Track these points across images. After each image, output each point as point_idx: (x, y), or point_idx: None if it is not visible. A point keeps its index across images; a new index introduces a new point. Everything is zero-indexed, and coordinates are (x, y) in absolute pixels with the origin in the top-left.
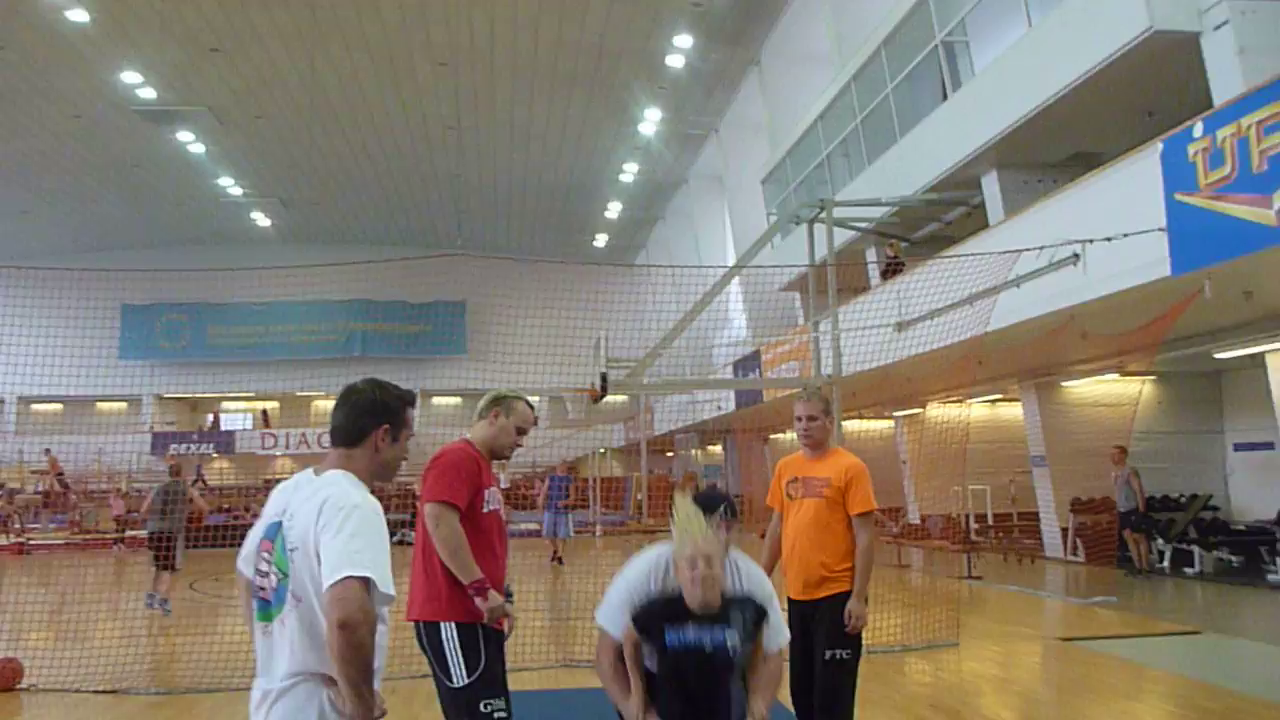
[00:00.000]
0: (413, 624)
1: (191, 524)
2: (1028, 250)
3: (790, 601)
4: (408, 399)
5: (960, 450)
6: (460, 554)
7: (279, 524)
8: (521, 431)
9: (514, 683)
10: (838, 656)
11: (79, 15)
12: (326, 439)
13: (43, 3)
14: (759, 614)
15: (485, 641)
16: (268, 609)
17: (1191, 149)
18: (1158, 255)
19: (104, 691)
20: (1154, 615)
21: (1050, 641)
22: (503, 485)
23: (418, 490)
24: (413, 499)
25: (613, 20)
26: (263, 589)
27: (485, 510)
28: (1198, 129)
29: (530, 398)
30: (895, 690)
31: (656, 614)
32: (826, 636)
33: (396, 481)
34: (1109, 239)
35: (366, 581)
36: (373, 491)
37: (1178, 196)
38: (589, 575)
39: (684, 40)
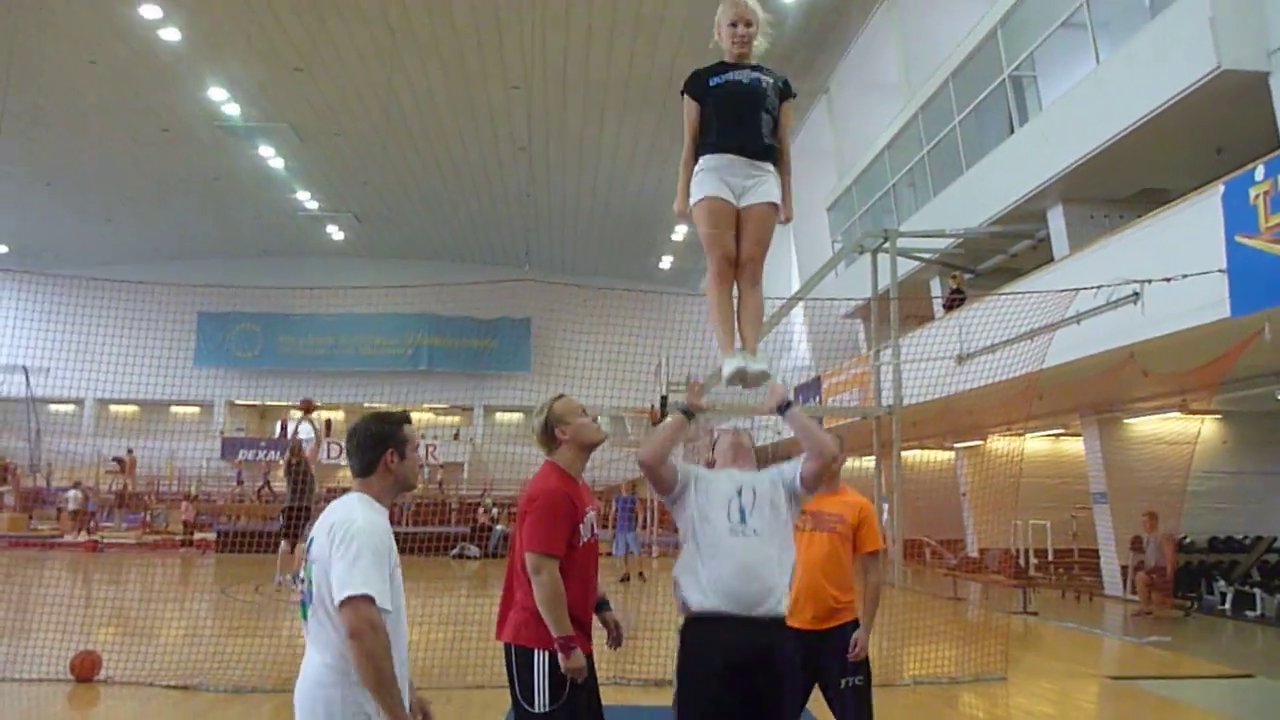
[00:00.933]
0: (503, 644)
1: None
2: (1086, 289)
3: (797, 632)
4: (402, 420)
5: (1014, 483)
6: (556, 608)
7: (311, 540)
8: (588, 449)
9: None
10: (853, 683)
11: (171, 34)
12: None
13: (138, 20)
14: (787, 87)
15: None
16: (305, 608)
17: (1253, 192)
18: (1218, 296)
19: (175, 687)
20: (1208, 657)
21: (1099, 679)
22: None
23: (484, 503)
24: (470, 513)
25: (684, 46)
26: (301, 593)
27: (581, 544)
28: (1259, 172)
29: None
30: (937, 719)
31: (702, 73)
32: (841, 665)
33: (458, 496)
34: (1168, 279)
35: (369, 598)
36: (438, 503)
37: (1239, 239)
38: (645, 596)
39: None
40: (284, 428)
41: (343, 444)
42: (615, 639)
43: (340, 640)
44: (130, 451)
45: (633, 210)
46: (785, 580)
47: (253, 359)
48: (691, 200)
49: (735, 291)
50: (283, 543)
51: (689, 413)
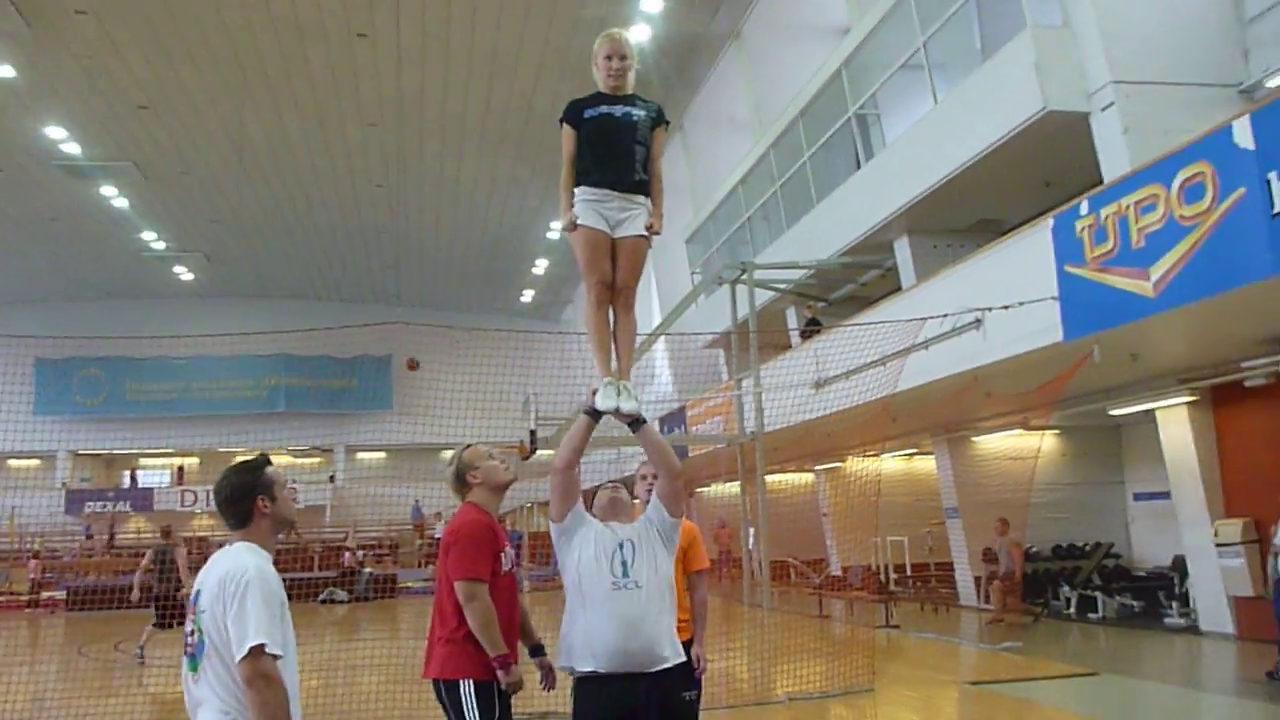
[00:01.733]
0: (431, 681)
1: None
2: (933, 317)
3: None
4: (263, 464)
5: (873, 502)
6: (490, 630)
7: (199, 592)
8: (501, 490)
9: None
10: (690, 697)
11: (5, 70)
12: None
13: None
14: (660, 115)
15: (499, 697)
16: (195, 661)
17: (1079, 225)
18: (1051, 322)
19: None
20: (1056, 659)
21: (959, 685)
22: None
23: (349, 545)
24: (336, 556)
25: (541, 83)
26: (189, 645)
27: (501, 572)
28: (1084, 207)
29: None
30: None
31: (579, 103)
32: (681, 680)
33: (322, 539)
34: (1006, 307)
35: (262, 648)
36: (297, 547)
37: (1068, 268)
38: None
39: None
40: (134, 479)
41: (196, 491)
42: (549, 682)
43: (238, 686)
44: None
45: (494, 244)
46: (668, 626)
47: (98, 405)
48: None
49: (610, 317)
50: (149, 627)
51: (593, 414)
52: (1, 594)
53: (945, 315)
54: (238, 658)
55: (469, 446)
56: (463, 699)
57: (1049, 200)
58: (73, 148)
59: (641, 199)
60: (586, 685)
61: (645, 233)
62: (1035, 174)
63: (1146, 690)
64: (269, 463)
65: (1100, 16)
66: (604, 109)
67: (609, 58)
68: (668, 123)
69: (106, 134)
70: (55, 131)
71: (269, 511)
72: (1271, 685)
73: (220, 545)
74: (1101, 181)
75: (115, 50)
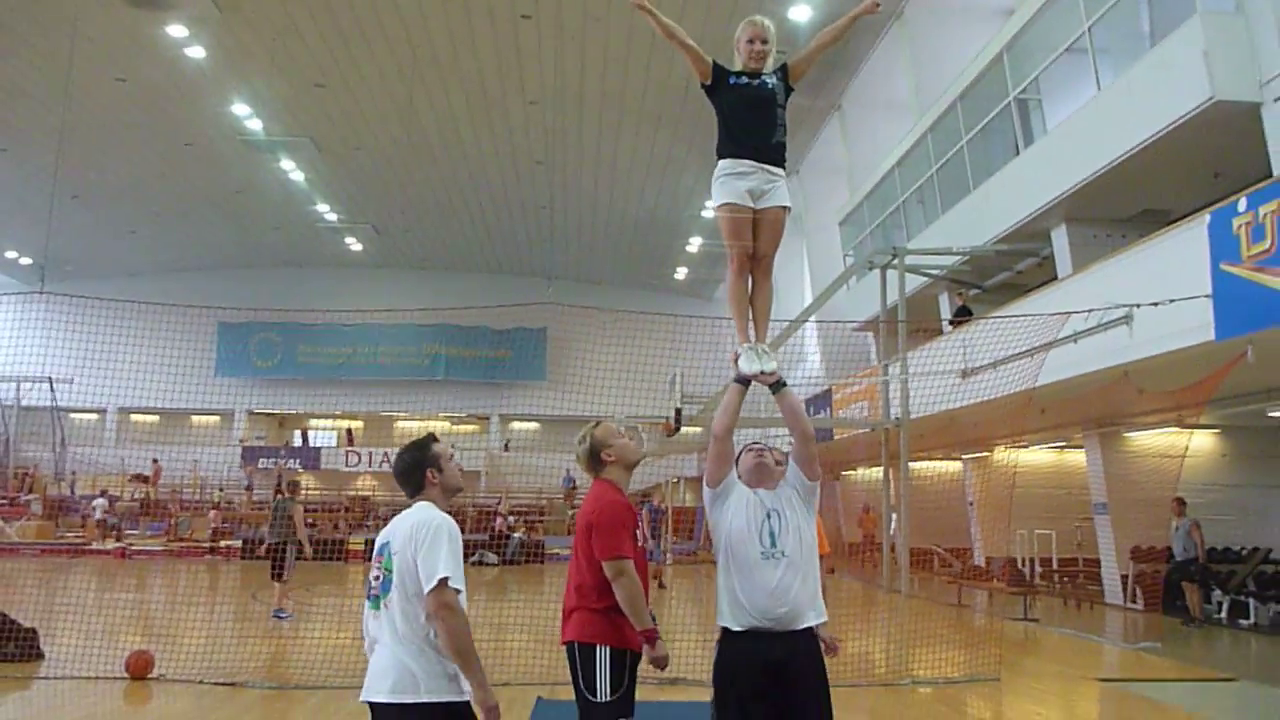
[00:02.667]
0: (565, 644)
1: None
2: (1077, 312)
3: None
4: (429, 441)
5: (1008, 493)
6: (638, 603)
7: (386, 544)
8: (632, 467)
9: None
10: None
11: (196, 52)
12: None
13: (165, 40)
14: (785, 69)
15: (629, 668)
16: (378, 600)
17: (1236, 222)
18: (1204, 320)
19: (224, 684)
20: (1195, 663)
21: (1089, 681)
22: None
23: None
24: (488, 520)
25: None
26: (374, 587)
27: (637, 547)
28: (1242, 204)
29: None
30: (933, 716)
31: (725, 69)
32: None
33: (475, 504)
34: (1156, 304)
35: (447, 581)
36: (453, 511)
37: (1223, 266)
38: (663, 603)
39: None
40: (304, 438)
41: (360, 452)
42: (665, 657)
43: (420, 621)
44: (155, 461)
45: (649, 222)
46: (812, 591)
47: (272, 368)
48: (713, 203)
49: (750, 284)
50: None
51: (744, 381)
52: (185, 541)
53: (1090, 310)
54: (426, 589)
55: (599, 424)
56: (597, 664)
57: (1218, 191)
58: (255, 124)
59: (781, 171)
60: (733, 640)
61: (786, 204)
62: (1204, 164)
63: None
64: (436, 439)
65: (1276, 2)
66: (745, 79)
67: (751, 41)
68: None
69: (286, 111)
70: (240, 108)
71: (437, 481)
72: None
73: (384, 505)
74: (1272, 175)
75: (295, 31)
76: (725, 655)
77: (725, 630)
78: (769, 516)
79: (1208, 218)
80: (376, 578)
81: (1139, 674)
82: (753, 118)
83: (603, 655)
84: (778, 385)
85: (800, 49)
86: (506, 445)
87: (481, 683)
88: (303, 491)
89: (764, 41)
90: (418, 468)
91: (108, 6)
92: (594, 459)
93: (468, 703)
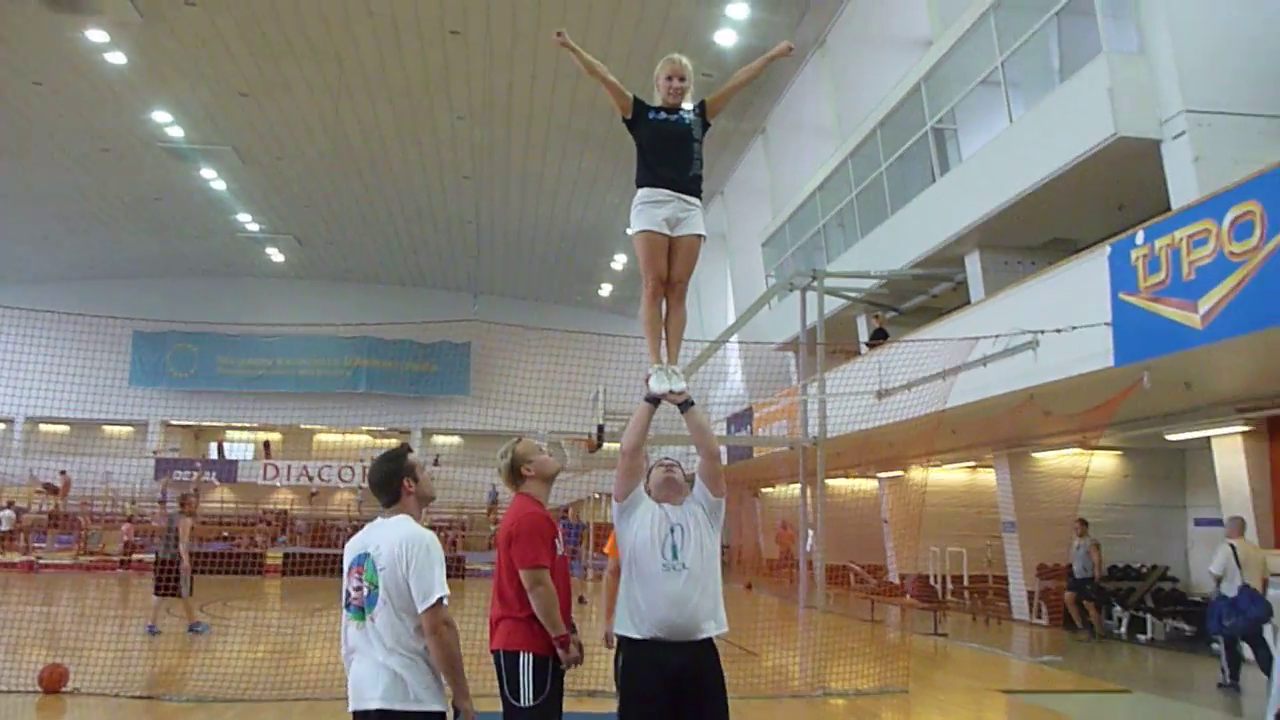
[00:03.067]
0: (493, 653)
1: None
2: (985, 337)
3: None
4: (404, 451)
5: (918, 511)
6: (552, 613)
7: (366, 554)
8: (551, 480)
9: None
10: None
11: (117, 57)
12: (326, 472)
13: (85, 44)
14: (702, 105)
15: (551, 672)
16: (361, 612)
17: (1134, 254)
18: (1104, 347)
19: (140, 697)
20: (1093, 675)
21: (992, 693)
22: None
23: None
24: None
25: (626, 83)
26: (355, 599)
27: (557, 558)
28: (1139, 237)
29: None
30: None
31: (644, 104)
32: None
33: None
34: (1059, 330)
35: (443, 600)
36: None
37: (1122, 295)
38: (584, 617)
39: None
40: (220, 450)
41: (279, 465)
42: (576, 659)
43: (407, 633)
44: (64, 473)
45: (574, 238)
46: (711, 602)
47: (188, 379)
48: (632, 230)
49: (664, 308)
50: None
51: (654, 400)
52: (96, 555)
53: (998, 336)
54: (422, 608)
55: (520, 440)
56: (520, 670)
57: (1122, 222)
58: (176, 131)
59: (697, 201)
60: (636, 649)
61: (701, 233)
62: (1108, 196)
63: (1173, 711)
64: (409, 450)
65: (1176, 45)
66: (663, 114)
67: (670, 78)
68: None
69: (208, 119)
70: (161, 115)
71: (413, 490)
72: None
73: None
74: (1170, 208)
75: (220, 40)
76: (628, 664)
77: (627, 639)
78: (673, 530)
79: (1108, 249)
80: (358, 589)
81: (1040, 686)
82: (670, 151)
83: (525, 661)
84: (686, 404)
85: (717, 88)
86: (436, 460)
87: (466, 693)
88: (194, 505)
89: (681, 79)
90: (394, 478)
91: (25, 9)
92: (514, 473)
93: (443, 712)
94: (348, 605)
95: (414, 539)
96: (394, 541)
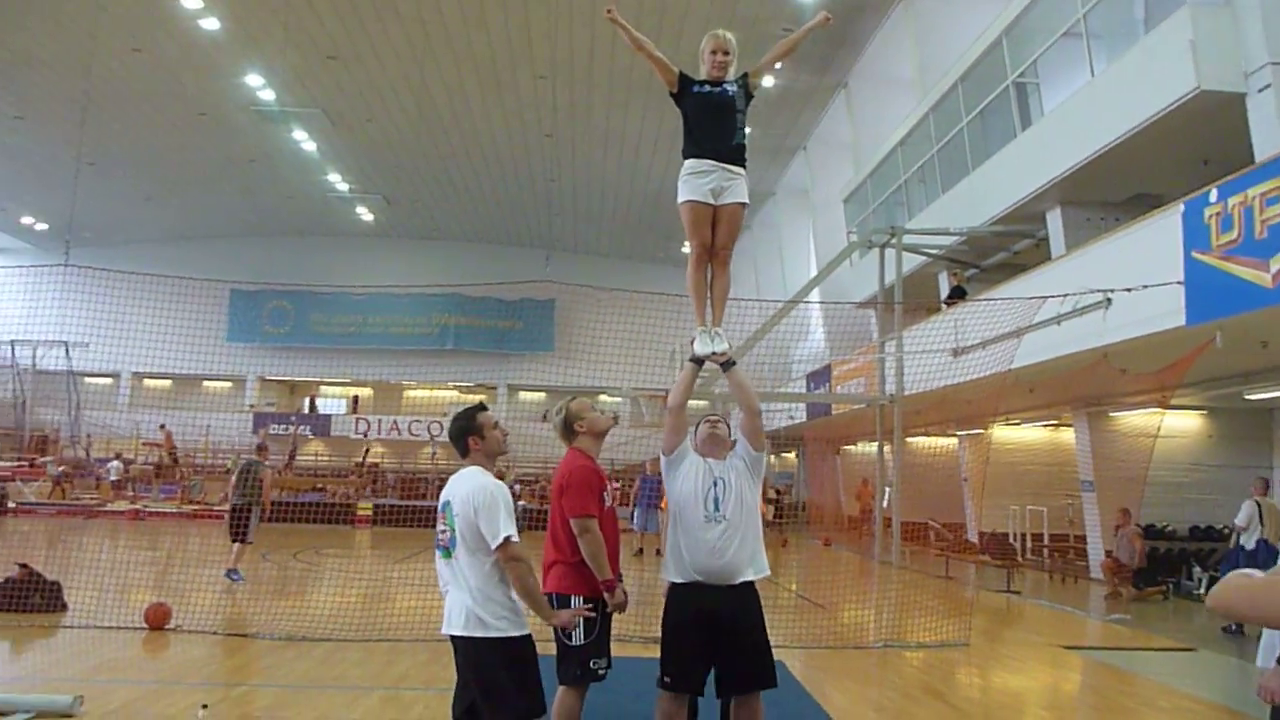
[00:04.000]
0: (546, 595)
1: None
2: (1053, 296)
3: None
4: (476, 410)
5: (983, 469)
6: (600, 558)
7: (448, 503)
8: (601, 436)
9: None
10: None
11: (211, 24)
12: (416, 426)
13: (180, 10)
14: (745, 78)
15: (600, 613)
16: (448, 551)
17: (1207, 212)
18: (1176, 306)
19: (236, 634)
20: (1162, 634)
21: (1053, 648)
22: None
23: (508, 480)
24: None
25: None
26: (442, 540)
27: (605, 509)
28: (1213, 194)
29: (613, 398)
30: (896, 674)
31: (689, 78)
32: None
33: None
34: (1129, 289)
35: (511, 538)
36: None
37: (1195, 254)
38: (658, 568)
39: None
40: (313, 405)
41: (369, 419)
42: (622, 604)
43: (483, 570)
44: (164, 427)
45: (656, 196)
46: (750, 550)
47: (283, 335)
48: (679, 199)
49: (710, 273)
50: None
51: (698, 361)
52: (197, 504)
53: (1066, 295)
54: (493, 546)
55: (574, 399)
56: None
57: (1207, 177)
58: (268, 94)
59: (741, 170)
60: (677, 591)
61: (744, 200)
62: (1193, 151)
63: (1236, 667)
64: (483, 408)
65: None
66: (708, 87)
67: (714, 52)
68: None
69: (299, 82)
70: (253, 79)
71: (480, 447)
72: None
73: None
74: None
75: (309, 5)
76: (670, 603)
77: (671, 584)
78: (715, 484)
79: (1182, 207)
80: (443, 532)
81: (1105, 643)
82: (714, 123)
83: (577, 603)
84: (727, 364)
85: (758, 60)
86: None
87: (547, 614)
88: (270, 454)
89: (725, 53)
90: (462, 435)
91: None
92: (568, 429)
93: (527, 635)
94: (438, 545)
95: (480, 489)
96: (465, 491)
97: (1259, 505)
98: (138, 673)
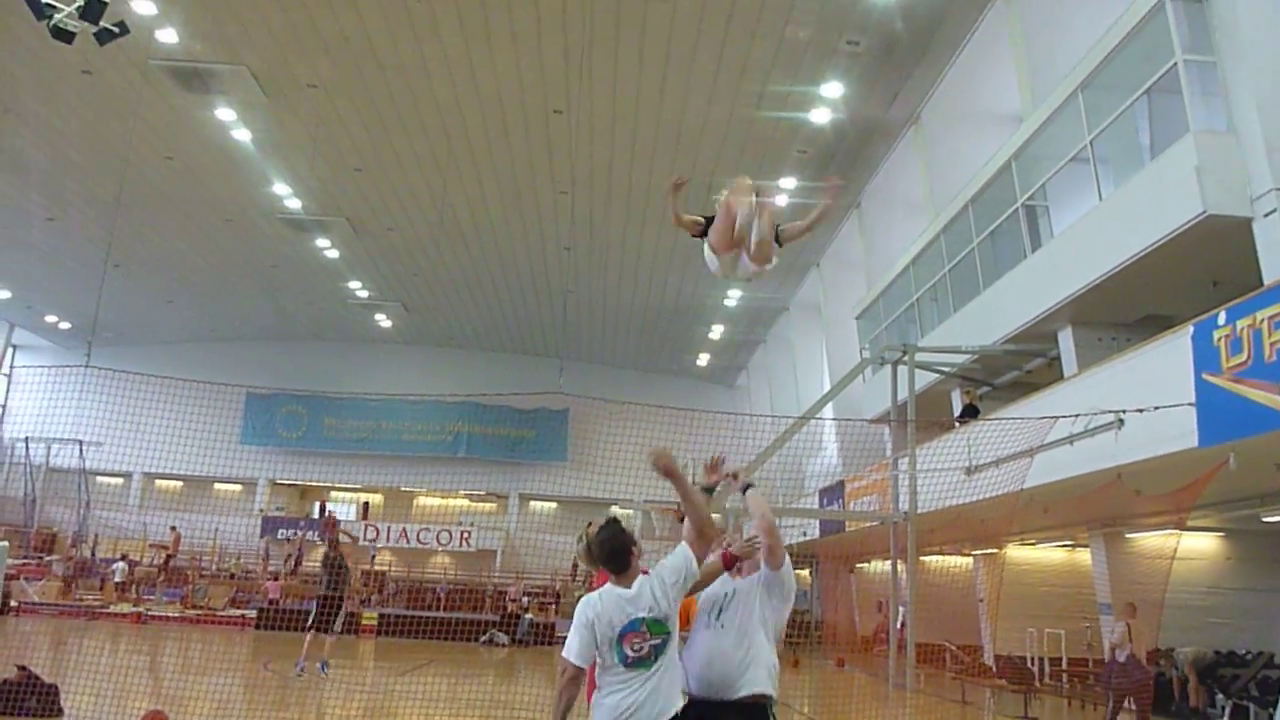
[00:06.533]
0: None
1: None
2: (1064, 416)
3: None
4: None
5: (996, 590)
6: None
7: (640, 618)
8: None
9: None
10: None
11: (243, 134)
12: (424, 534)
13: (214, 122)
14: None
15: None
16: (648, 663)
17: (1216, 334)
18: (1188, 428)
19: None
20: None
21: None
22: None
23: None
24: (501, 600)
25: (722, 160)
26: (640, 655)
27: None
28: (1221, 317)
29: (624, 510)
30: None
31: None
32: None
33: (492, 583)
34: (1141, 410)
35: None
36: (469, 590)
37: (1205, 376)
38: None
39: (788, 182)
40: (322, 509)
41: (378, 526)
42: None
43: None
44: (174, 529)
45: (672, 308)
46: (749, 662)
47: (297, 440)
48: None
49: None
50: (311, 632)
51: (708, 489)
52: (201, 609)
53: (1078, 415)
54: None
55: (590, 525)
56: None
57: (1217, 299)
58: (294, 203)
59: None
60: (686, 709)
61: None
62: (1202, 272)
63: None
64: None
65: (1265, 123)
66: None
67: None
68: None
69: (324, 192)
70: (280, 188)
71: (638, 559)
72: None
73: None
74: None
75: (338, 119)
76: None
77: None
78: (726, 595)
79: (1191, 329)
80: (638, 648)
81: None
82: None
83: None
84: (745, 487)
85: (790, 224)
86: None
87: None
88: (339, 547)
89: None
90: (626, 550)
91: (160, 88)
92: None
93: None
94: (630, 664)
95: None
96: (651, 593)
97: None
98: None
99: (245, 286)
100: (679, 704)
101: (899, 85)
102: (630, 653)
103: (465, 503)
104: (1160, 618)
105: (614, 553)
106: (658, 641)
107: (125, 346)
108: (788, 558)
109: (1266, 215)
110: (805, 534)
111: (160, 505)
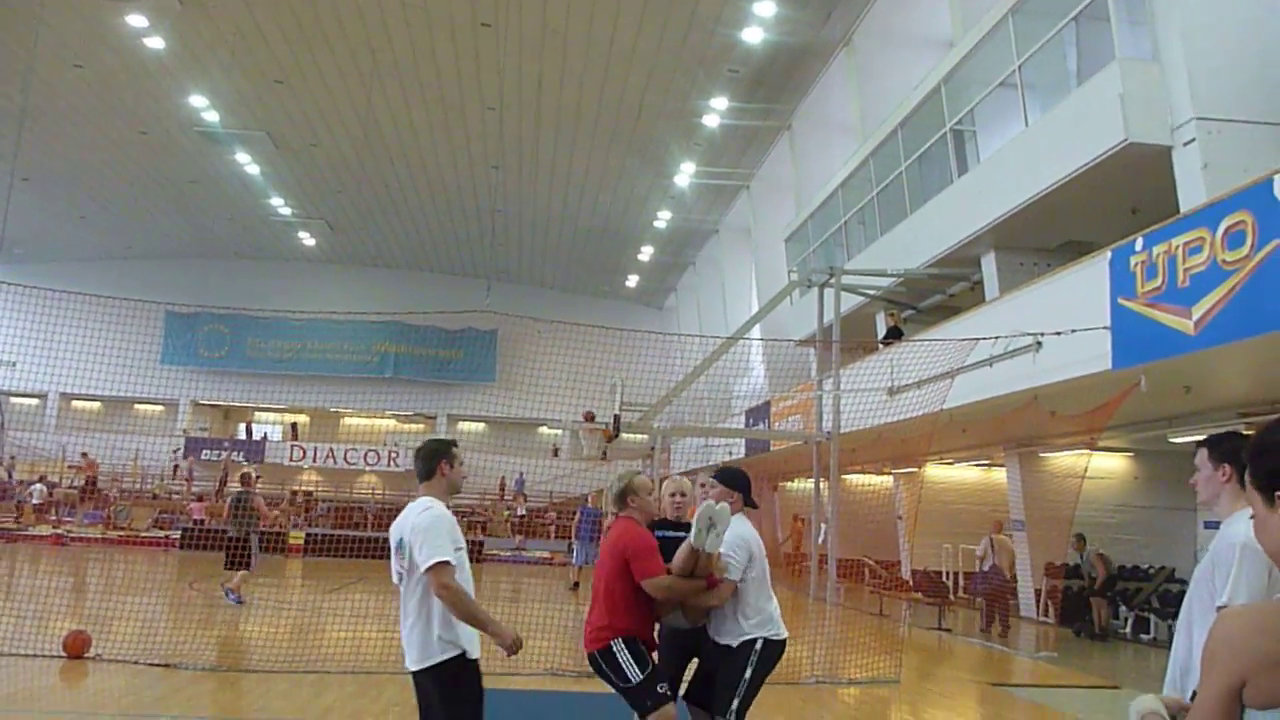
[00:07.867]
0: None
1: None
2: (984, 339)
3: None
4: (453, 443)
5: (915, 507)
6: (686, 596)
7: (401, 539)
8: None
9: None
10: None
11: (156, 42)
12: (352, 454)
13: (125, 28)
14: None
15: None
16: (402, 578)
17: (1133, 260)
18: (1103, 350)
19: (158, 664)
20: (1088, 672)
21: (981, 686)
22: (519, 514)
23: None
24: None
25: (653, 82)
26: (400, 569)
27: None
28: (1138, 244)
29: (553, 430)
30: (829, 711)
31: (655, 524)
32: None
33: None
34: (1059, 333)
35: (443, 563)
36: (452, 507)
37: (1121, 301)
38: (579, 601)
39: (720, 102)
40: (249, 431)
41: (305, 447)
42: None
43: (423, 596)
44: (85, 454)
45: (601, 230)
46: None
47: (220, 360)
48: None
49: None
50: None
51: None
52: (123, 529)
53: (998, 337)
54: (422, 569)
55: (639, 474)
56: (617, 657)
57: (1136, 226)
58: (212, 116)
59: None
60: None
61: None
62: (1122, 200)
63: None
64: (456, 445)
65: (1189, 53)
66: (669, 533)
67: (673, 495)
68: None
69: (244, 105)
70: (197, 100)
71: (446, 474)
72: None
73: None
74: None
75: (257, 28)
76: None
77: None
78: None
79: (1109, 254)
80: (401, 561)
81: (1032, 680)
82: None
83: (618, 647)
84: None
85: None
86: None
87: (496, 631)
88: (254, 482)
89: (683, 494)
90: (435, 457)
91: None
92: (621, 497)
93: (461, 655)
94: (395, 573)
95: (421, 515)
96: (408, 526)
97: None
98: (52, 702)
99: (162, 202)
100: None
101: (831, 5)
102: (396, 566)
103: (393, 423)
104: (1070, 534)
105: (421, 456)
106: (405, 566)
107: (37, 264)
108: (735, 569)
109: (1186, 144)
110: (731, 453)
111: (78, 426)
